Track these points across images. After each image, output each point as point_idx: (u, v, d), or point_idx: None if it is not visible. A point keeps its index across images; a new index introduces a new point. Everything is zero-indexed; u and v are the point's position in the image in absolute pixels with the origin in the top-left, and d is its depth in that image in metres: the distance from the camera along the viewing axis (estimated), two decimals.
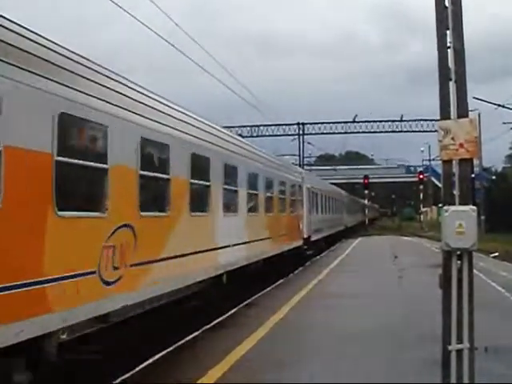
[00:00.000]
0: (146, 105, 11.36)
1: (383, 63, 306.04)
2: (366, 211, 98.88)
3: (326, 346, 11.95)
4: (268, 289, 20.28)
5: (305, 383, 9.15)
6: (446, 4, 7.83)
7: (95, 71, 9.76)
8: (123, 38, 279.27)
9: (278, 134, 79.48)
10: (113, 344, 11.21)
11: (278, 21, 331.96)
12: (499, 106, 48.34)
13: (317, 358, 10.99)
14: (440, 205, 8.16)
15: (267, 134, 78.13)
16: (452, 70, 7.78)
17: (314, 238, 33.83)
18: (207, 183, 14.68)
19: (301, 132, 79.72)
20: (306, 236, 30.96)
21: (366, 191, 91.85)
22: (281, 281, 22.62)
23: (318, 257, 35.46)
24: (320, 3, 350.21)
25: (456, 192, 7.67)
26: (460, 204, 7.59)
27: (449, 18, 7.78)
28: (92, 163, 9.25)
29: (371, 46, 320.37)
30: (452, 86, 7.77)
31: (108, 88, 10.03)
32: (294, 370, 10.06)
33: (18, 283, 7.41)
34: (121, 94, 10.45)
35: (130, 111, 10.50)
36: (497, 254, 36.20)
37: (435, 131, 7.89)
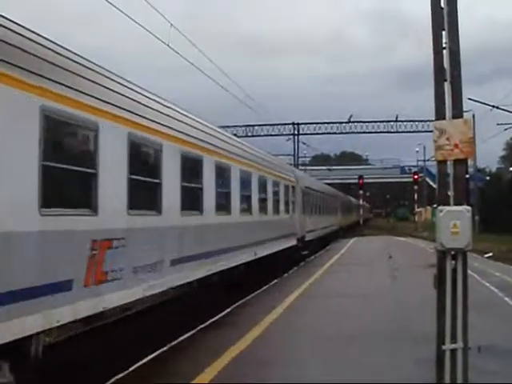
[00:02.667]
0: None
1: (378, 64, 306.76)
2: (361, 211, 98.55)
3: (319, 346, 11.98)
4: None
5: (305, 383, 9.16)
6: (442, 5, 7.86)
7: None
8: (117, 37, 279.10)
9: (273, 133, 79.58)
10: (108, 343, 11.22)
11: (272, 22, 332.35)
12: (494, 107, 48.36)
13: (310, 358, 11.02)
14: (434, 205, 8.21)
15: (262, 133, 78.22)
16: (447, 71, 7.81)
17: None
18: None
19: (295, 132, 79.80)
20: None
21: (361, 191, 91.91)
22: None
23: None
24: (313, 4, 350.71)
25: (451, 192, 7.71)
26: (455, 204, 7.63)
27: (444, 19, 7.81)
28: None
29: (366, 46, 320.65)
30: (447, 86, 7.81)
31: None
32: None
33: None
34: None
35: None
36: (491, 254, 36.29)
37: (430, 131, 7.94)
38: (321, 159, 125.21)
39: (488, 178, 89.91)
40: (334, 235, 55.09)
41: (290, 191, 28.57)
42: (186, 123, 14.19)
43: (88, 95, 9.25)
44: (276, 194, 25.05)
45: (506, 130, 55.92)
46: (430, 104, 7.96)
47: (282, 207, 26.32)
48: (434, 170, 8.12)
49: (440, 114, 7.80)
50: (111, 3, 17.05)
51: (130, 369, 10.01)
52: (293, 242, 28.84)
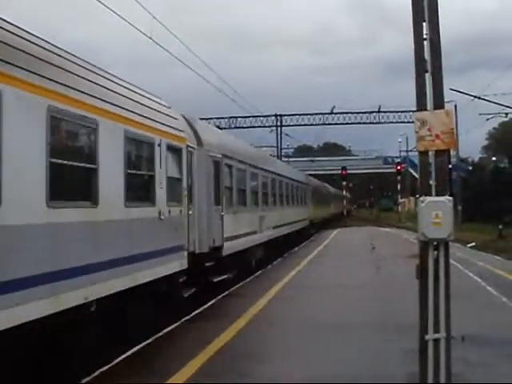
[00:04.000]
0: None
1: (359, 55, 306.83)
2: (344, 202, 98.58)
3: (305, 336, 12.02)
4: None
5: (300, 383, 9.18)
6: None
7: None
8: (99, 29, 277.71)
9: (256, 125, 79.44)
10: (93, 335, 11.17)
11: (253, 14, 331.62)
12: (475, 97, 48.56)
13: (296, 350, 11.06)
14: (417, 196, 8.24)
15: (245, 125, 78.08)
16: (428, 62, 7.82)
17: None
18: None
19: (278, 124, 79.74)
20: None
21: (344, 182, 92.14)
22: None
23: None
24: None
25: (432, 182, 7.73)
26: (437, 194, 7.65)
27: (425, 10, 7.82)
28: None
29: (347, 38, 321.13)
30: (428, 77, 7.82)
31: None
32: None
33: None
34: None
35: None
36: (474, 244, 36.48)
37: (412, 122, 7.95)
38: (303, 150, 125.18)
39: (471, 167, 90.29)
40: (301, 235, 40.99)
41: (168, 159, 14.55)
42: None
43: None
44: (111, 160, 11.24)
45: (488, 119, 56.25)
46: (413, 95, 7.98)
47: (131, 191, 12.18)
48: (417, 161, 8.16)
49: (421, 105, 7.81)
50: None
51: (114, 362, 10.00)
52: (172, 268, 14.32)
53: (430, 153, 7.78)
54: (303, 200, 43.40)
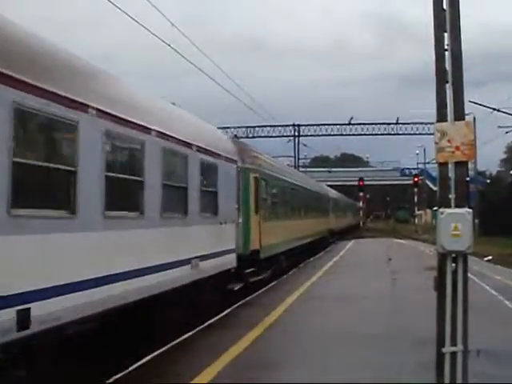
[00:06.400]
0: None
1: (378, 68, 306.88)
2: (361, 213, 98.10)
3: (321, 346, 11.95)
4: None
5: (305, 383, 9.14)
6: (444, 7, 7.84)
7: None
8: (118, 37, 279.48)
9: (274, 135, 79.55)
10: (106, 343, 11.19)
11: (272, 26, 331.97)
12: (494, 109, 48.33)
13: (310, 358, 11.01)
14: (435, 208, 8.20)
15: (263, 135, 78.19)
16: (449, 73, 7.79)
17: None
18: None
19: (296, 133, 79.81)
20: None
21: (361, 193, 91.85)
22: None
23: None
24: (313, 10, 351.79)
25: (452, 195, 7.68)
26: (456, 207, 7.60)
27: (446, 20, 7.79)
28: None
29: (367, 51, 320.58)
30: (449, 88, 7.79)
31: None
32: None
33: None
34: None
35: None
36: (491, 257, 36.19)
37: (430, 134, 7.96)
38: (321, 161, 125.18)
39: (488, 181, 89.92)
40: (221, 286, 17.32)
41: None
42: None
43: None
44: None
45: (507, 132, 55.89)
46: (430, 107, 7.96)
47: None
48: (434, 173, 8.17)
49: (441, 116, 7.78)
50: (117, 6, 17.06)
51: (129, 369, 9.99)
52: None
53: (450, 164, 7.74)
54: (230, 205, 17.82)
